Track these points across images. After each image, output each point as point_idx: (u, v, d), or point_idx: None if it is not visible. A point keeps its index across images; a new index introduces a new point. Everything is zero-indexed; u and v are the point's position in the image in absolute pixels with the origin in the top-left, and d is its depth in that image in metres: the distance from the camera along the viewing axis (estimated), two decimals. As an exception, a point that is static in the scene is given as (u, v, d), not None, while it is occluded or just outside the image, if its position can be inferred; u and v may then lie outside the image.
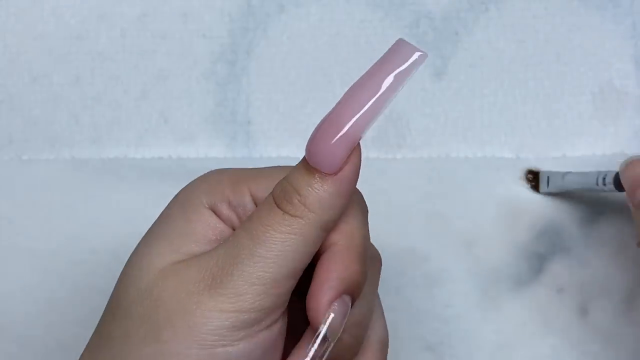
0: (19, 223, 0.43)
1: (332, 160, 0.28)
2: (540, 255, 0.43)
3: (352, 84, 0.28)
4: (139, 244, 0.30)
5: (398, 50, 0.28)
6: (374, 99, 0.27)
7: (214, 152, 0.44)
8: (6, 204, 0.43)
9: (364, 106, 0.27)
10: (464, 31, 0.45)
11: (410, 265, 0.43)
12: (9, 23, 0.45)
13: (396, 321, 0.43)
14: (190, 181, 0.32)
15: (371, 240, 0.31)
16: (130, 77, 0.45)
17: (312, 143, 0.28)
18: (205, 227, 0.30)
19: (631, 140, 0.44)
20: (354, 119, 0.27)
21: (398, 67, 0.27)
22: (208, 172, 0.32)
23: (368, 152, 0.44)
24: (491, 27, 0.45)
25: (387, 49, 0.28)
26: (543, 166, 0.44)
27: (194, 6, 0.45)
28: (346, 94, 0.28)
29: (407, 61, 0.27)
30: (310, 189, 0.28)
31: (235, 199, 0.30)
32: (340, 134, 0.27)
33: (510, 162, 0.44)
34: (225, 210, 0.30)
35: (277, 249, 0.28)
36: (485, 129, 0.44)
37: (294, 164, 0.29)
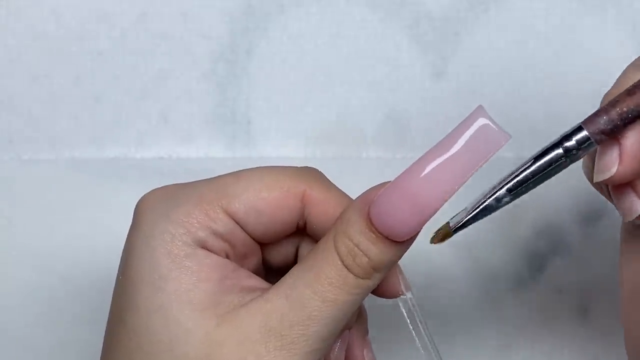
0: (19, 223, 0.43)
1: (405, 233, 0.28)
2: (540, 255, 0.43)
3: (430, 158, 0.27)
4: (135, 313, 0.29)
5: (485, 137, 0.27)
6: (457, 186, 0.28)
7: (214, 152, 0.44)
8: (6, 204, 0.43)
9: (448, 191, 0.27)
10: (464, 31, 0.45)
11: (410, 265, 0.43)
12: (9, 23, 0.45)
13: (396, 321, 0.43)
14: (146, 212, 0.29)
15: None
16: (130, 77, 0.45)
17: (385, 211, 0.27)
18: (209, 270, 0.29)
19: (631, 140, 0.44)
20: (436, 202, 0.28)
21: (484, 159, 0.27)
22: (157, 203, 0.29)
23: (368, 152, 0.44)
24: (491, 27, 0.45)
25: (468, 122, 0.27)
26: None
27: (194, 6, 0.45)
28: (424, 169, 0.27)
29: (494, 150, 0.27)
30: (378, 251, 0.28)
31: (219, 227, 0.29)
32: (420, 212, 0.27)
33: (510, 162, 0.44)
34: (214, 242, 0.29)
35: (348, 310, 0.28)
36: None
37: (283, 164, 0.30)
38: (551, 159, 0.29)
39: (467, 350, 0.43)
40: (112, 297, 0.30)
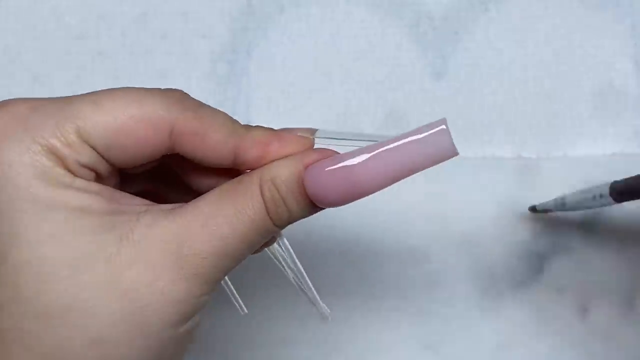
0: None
1: (333, 204, 0.29)
2: (540, 255, 0.43)
3: (380, 146, 0.28)
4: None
5: (438, 144, 0.28)
6: (398, 180, 0.28)
7: (214, 152, 0.44)
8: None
9: (387, 182, 0.28)
10: (464, 31, 0.45)
11: (410, 265, 0.43)
12: (9, 23, 0.45)
13: (396, 321, 0.43)
14: None
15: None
16: (130, 77, 0.45)
17: (321, 182, 0.28)
18: (95, 194, 0.28)
19: (631, 140, 0.44)
20: (373, 188, 0.28)
21: (431, 163, 0.28)
22: (16, 128, 0.27)
23: (368, 152, 0.44)
24: (491, 27, 0.45)
25: (429, 126, 0.28)
26: (543, 166, 0.44)
27: (194, 6, 0.45)
28: (370, 154, 0.28)
29: (441, 159, 0.28)
30: (300, 210, 0.29)
31: (84, 158, 0.28)
32: (353, 189, 0.28)
33: (510, 162, 0.44)
34: (82, 172, 0.28)
35: (255, 247, 0.29)
36: (485, 129, 0.44)
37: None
38: None
39: (467, 350, 0.43)
40: None
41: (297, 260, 0.32)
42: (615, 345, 0.43)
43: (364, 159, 0.28)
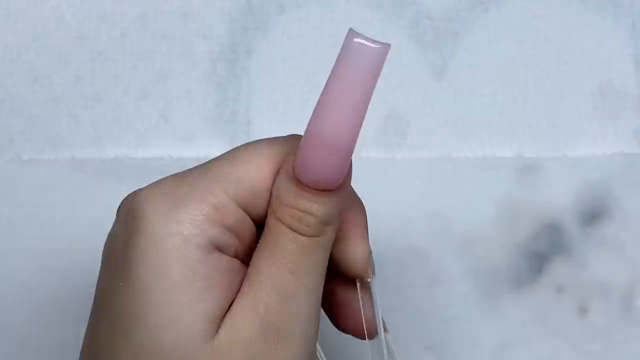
0: (19, 223, 0.43)
1: (334, 178, 0.27)
2: (540, 255, 0.43)
3: (322, 97, 0.27)
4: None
5: (364, 56, 0.26)
6: (361, 113, 0.26)
7: (214, 152, 0.44)
8: (6, 204, 0.43)
9: (354, 122, 0.26)
10: (464, 31, 0.45)
11: (410, 265, 0.43)
12: (9, 23, 0.45)
13: (396, 321, 0.43)
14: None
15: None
16: (130, 77, 0.45)
17: (307, 167, 0.27)
18: (220, 277, 0.27)
19: (631, 140, 0.44)
20: (347, 136, 0.26)
21: (374, 76, 0.26)
22: (159, 201, 0.27)
23: (368, 152, 0.44)
24: (491, 27, 0.45)
25: (343, 50, 0.27)
26: (543, 166, 0.44)
27: (194, 6, 0.45)
28: (322, 110, 0.27)
29: (379, 65, 0.26)
30: (319, 206, 0.27)
31: (231, 220, 0.27)
32: (336, 153, 0.27)
33: (510, 162, 0.44)
34: (226, 239, 0.28)
35: (318, 271, 0.28)
36: (485, 129, 0.44)
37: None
38: None
39: (467, 350, 0.43)
40: (102, 306, 0.28)
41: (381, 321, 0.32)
42: (615, 345, 0.43)
43: (320, 118, 0.26)
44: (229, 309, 0.27)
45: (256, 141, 0.29)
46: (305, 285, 0.27)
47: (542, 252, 0.44)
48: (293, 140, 0.29)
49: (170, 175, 0.28)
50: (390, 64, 0.45)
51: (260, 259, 0.27)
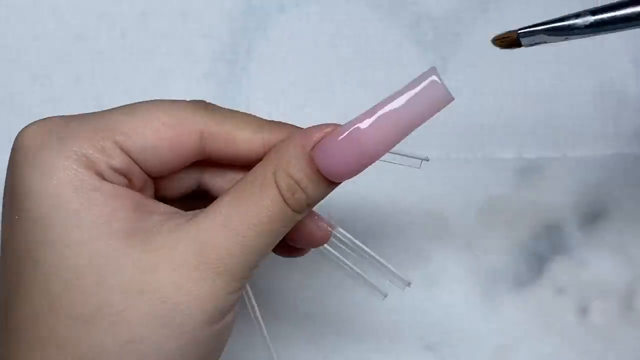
0: (19, 223, 0.43)
1: (346, 176, 0.29)
2: (540, 255, 0.44)
3: (380, 108, 0.29)
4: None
5: (431, 94, 0.28)
6: (401, 137, 0.29)
7: (214, 152, 0.44)
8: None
9: (392, 141, 0.29)
10: (464, 31, 0.45)
11: (410, 265, 0.43)
12: (9, 23, 0.45)
13: (396, 321, 0.43)
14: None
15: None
16: (130, 77, 0.45)
17: (330, 155, 0.29)
18: (121, 200, 0.28)
19: (631, 140, 0.44)
20: (380, 150, 0.29)
21: (429, 115, 0.28)
22: (46, 138, 0.28)
23: (368, 152, 0.44)
24: (491, 27, 0.45)
25: (418, 80, 0.28)
26: (543, 166, 0.44)
27: (194, 6, 0.45)
28: (372, 117, 0.29)
29: (438, 108, 0.28)
30: (316, 189, 0.29)
31: (116, 162, 0.29)
32: (363, 155, 0.29)
33: (510, 162, 0.44)
34: (113, 176, 0.29)
35: (278, 238, 0.30)
36: (486, 130, 0.44)
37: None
38: None
39: (467, 350, 0.43)
40: (4, 242, 0.29)
41: (362, 245, 0.33)
42: (615, 345, 0.43)
43: (367, 124, 0.28)
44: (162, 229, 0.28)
45: (158, 102, 0.30)
46: (264, 244, 0.29)
47: (542, 252, 0.44)
48: (203, 106, 0.30)
49: (60, 116, 0.30)
50: (391, 64, 0.45)
51: (235, 204, 0.29)
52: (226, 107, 0.31)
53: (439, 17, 0.45)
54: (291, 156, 0.29)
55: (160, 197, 0.31)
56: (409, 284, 0.33)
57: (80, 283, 0.27)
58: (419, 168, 0.32)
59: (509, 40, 0.30)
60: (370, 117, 0.28)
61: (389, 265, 0.33)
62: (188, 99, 0.43)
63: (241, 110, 0.45)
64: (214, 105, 0.31)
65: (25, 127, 0.29)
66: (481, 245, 0.43)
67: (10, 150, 0.30)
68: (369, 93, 0.45)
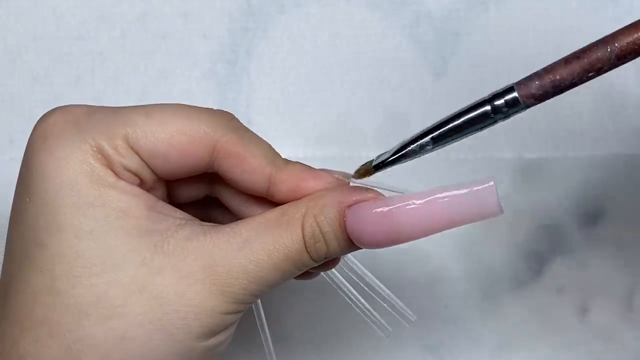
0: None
1: (372, 246, 0.29)
2: (540, 255, 0.44)
3: (429, 193, 0.28)
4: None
5: (485, 200, 0.28)
6: (441, 230, 0.28)
7: (214, 152, 0.44)
8: (7, 204, 0.43)
9: (430, 231, 0.28)
10: (464, 31, 0.45)
11: (410, 265, 0.43)
12: (9, 23, 0.45)
13: (396, 321, 0.43)
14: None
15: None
16: (130, 77, 0.45)
17: (363, 224, 0.29)
18: (136, 199, 0.29)
19: (631, 140, 0.44)
20: (415, 236, 0.29)
21: (477, 217, 0.28)
22: (66, 128, 0.29)
23: (368, 152, 0.44)
24: (491, 27, 0.45)
25: (479, 181, 0.28)
26: (543, 166, 0.44)
27: (194, 6, 0.45)
28: (418, 200, 0.28)
29: (486, 215, 0.28)
30: (338, 247, 0.29)
31: (129, 162, 0.29)
32: (395, 235, 0.29)
33: (510, 162, 0.44)
34: (128, 176, 0.29)
35: (288, 278, 0.30)
36: (486, 130, 0.44)
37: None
38: (478, 114, 0.29)
39: (467, 350, 0.43)
40: (12, 225, 0.29)
41: (371, 275, 0.33)
42: (615, 345, 0.43)
43: (410, 207, 0.28)
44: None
45: (178, 106, 0.30)
46: (273, 280, 0.29)
47: (542, 252, 0.44)
48: (222, 119, 0.30)
49: (84, 105, 0.30)
50: (391, 64, 0.45)
51: (256, 231, 0.29)
52: (248, 128, 0.31)
53: (439, 17, 0.45)
54: (325, 205, 0.29)
55: (170, 200, 0.31)
56: (413, 319, 0.33)
57: (83, 272, 0.27)
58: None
59: (365, 171, 0.31)
60: (415, 201, 0.28)
61: (397, 300, 0.33)
62: (189, 99, 0.43)
63: (241, 111, 0.45)
64: (236, 121, 0.31)
65: (48, 112, 0.30)
66: (481, 245, 0.43)
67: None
68: (369, 93, 0.45)
